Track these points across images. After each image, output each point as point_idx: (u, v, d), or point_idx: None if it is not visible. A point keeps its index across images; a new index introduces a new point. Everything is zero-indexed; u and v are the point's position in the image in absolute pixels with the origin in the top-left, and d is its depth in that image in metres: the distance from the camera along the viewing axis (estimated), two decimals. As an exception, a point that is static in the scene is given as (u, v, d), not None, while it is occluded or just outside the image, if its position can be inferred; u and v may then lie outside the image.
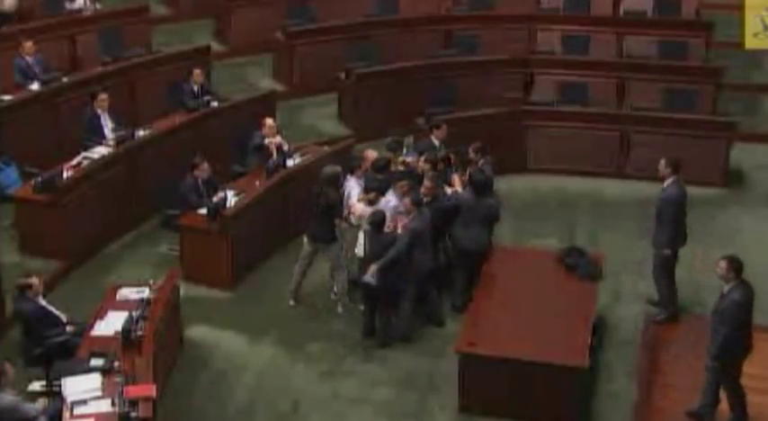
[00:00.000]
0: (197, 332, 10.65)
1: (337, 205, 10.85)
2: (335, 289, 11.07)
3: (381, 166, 11.27)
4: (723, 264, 8.82)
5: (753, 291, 8.90)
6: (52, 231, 11.40)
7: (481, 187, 11.02)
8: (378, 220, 10.34)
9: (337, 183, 11.02)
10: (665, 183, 10.58)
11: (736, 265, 8.80)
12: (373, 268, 10.28)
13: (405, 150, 12.07)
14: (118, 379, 8.51)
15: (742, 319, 8.76)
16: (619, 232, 12.52)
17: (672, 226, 10.48)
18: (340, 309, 10.99)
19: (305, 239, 11.06)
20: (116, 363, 8.71)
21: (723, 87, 15.22)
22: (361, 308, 10.73)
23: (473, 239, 10.92)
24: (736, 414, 9.07)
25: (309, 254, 11.05)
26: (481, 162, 11.66)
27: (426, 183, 10.88)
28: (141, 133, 12.67)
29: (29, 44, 13.56)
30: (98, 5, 15.90)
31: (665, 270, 10.67)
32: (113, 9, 15.91)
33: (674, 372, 9.62)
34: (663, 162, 10.59)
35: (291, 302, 11.16)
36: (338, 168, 11.14)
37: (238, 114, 13.52)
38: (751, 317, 8.91)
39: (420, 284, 10.54)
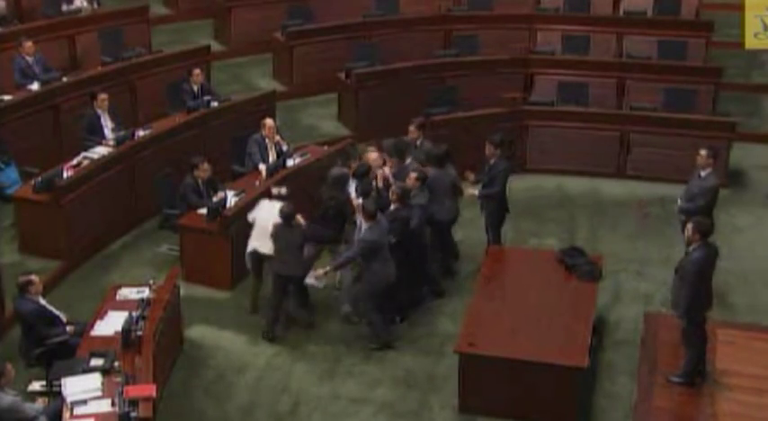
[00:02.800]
0: (197, 332, 10.65)
1: (346, 206, 10.84)
2: (339, 285, 11.09)
3: (362, 173, 11.19)
4: (690, 226, 9.22)
5: (716, 252, 9.29)
6: (52, 231, 11.40)
7: (442, 159, 11.24)
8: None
9: (344, 184, 11.02)
10: (704, 173, 10.98)
11: (701, 228, 9.18)
12: (320, 271, 10.37)
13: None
14: (118, 379, 8.52)
15: (701, 276, 9.14)
16: (619, 232, 12.53)
17: (707, 213, 10.74)
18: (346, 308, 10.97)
19: (303, 246, 11.06)
20: (116, 363, 8.72)
21: (723, 87, 15.22)
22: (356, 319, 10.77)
23: (448, 210, 11.18)
24: (690, 359, 9.46)
25: (312, 256, 11.05)
26: (419, 141, 11.92)
27: (395, 189, 10.78)
28: (141, 133, 12.67)
29: (29, 44, 13.57)
30: (95, 5, 15.89)
31: None
32: (113, 9, 15.93)
33: (674, 373, 9.60)
34: (704, 152, 10.96)
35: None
36: (345, 170, 11.16)
37: (238, 114, 13.52)
38: (711, 274, 9.32)
39: (381, 296, 10.39)
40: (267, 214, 10.63)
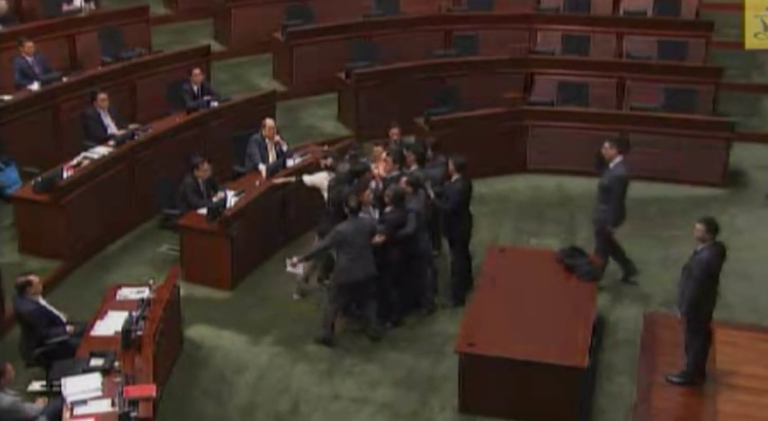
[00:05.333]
0: (197, 332, 10.65)
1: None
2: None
3: (357, 172, 11.15)
4: (701, 226, 9.22)
5: (724, 251, 9.28)
6: (52, 231, 11.40)
7: (423, 158, 11.31)
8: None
9: (351, 181, 11.05)
10: (612, 164, 11.13)
11: (713, 227, 9.22)
12: (295, 260, 10.51)
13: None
14: (118, 379, 8.51)
15: (709, 276, 9.19)
16: (619, 232, 12.47)
17: (618, 203, 11.06)
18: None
19: (316, 237, 11.09)
20: (116, 363, 8.71)
21: (723, 87, 15.22)
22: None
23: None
24: (690, 359, 9.49)
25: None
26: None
27: (389, 191, 10.74)
28: (141, 133, 12.66)
29: (29, 44, 13.57)
30: (92, 5, 15.86)
31: (611, 244, 11.26)
32: (113, 9, 15.93)
33: (674, 372, 9.61)
34: (608, 144, 11.14)
35: (296, 296, 11.18)
36: (349, 167, 11.21)
37: (238, 114, 13.52)
38: (718, 274, 9.31)
39: (345, 292, 10.41)
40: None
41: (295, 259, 10.58)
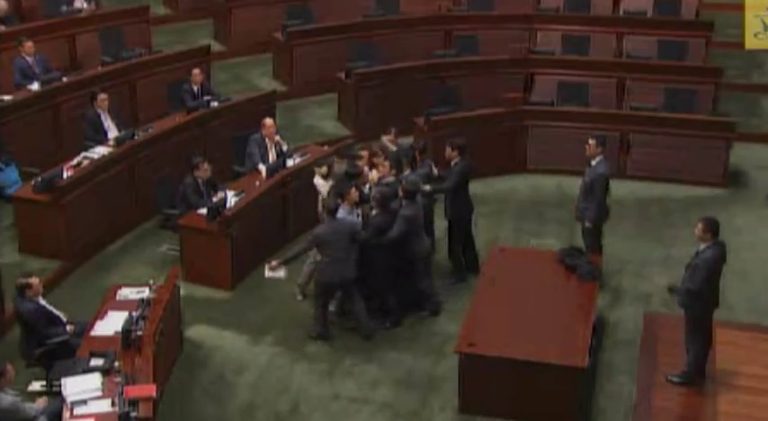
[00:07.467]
0: (197, 332, 10.65)
1: None
2: None
3: (352, 175, 11.17)
4: (700, 225, 9.24)
5: (725, 251, 9.29)
6: (52, 231, 11.40)
7: (400, 163, 11.34)
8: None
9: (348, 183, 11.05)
10: (594, 162, 11.16)
11: (712, 227, 9.23)
12: (274, 263, 10.47)
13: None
14: (118, 379, 8.51)
15: (711, 276, 9.20)
16: (619, 232, 12.51)
17: (600, 200, 11.09)
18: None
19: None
20: (116, 363, 8.71)
21: (723, 87, 15.22)
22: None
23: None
24: (691, 359, 9.50)
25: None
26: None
27: (374, 193, 10.73)
28: (141, 133, 12.66)
29: (29, 44, 13.58)
30: (93, 5, 15.85)
31: (597, 240, 11.26)
32: (113, 9, 15.93)
33: (674, 373, 9.61)
34: (593, 141, 11.20)
35: (299, 297, 11.18)
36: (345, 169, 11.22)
37: (238, 114, 13.53)
38: (720, 273, 9.33)
39: (326, 291, 10.43)
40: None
41: (274, 263, 10.52)
